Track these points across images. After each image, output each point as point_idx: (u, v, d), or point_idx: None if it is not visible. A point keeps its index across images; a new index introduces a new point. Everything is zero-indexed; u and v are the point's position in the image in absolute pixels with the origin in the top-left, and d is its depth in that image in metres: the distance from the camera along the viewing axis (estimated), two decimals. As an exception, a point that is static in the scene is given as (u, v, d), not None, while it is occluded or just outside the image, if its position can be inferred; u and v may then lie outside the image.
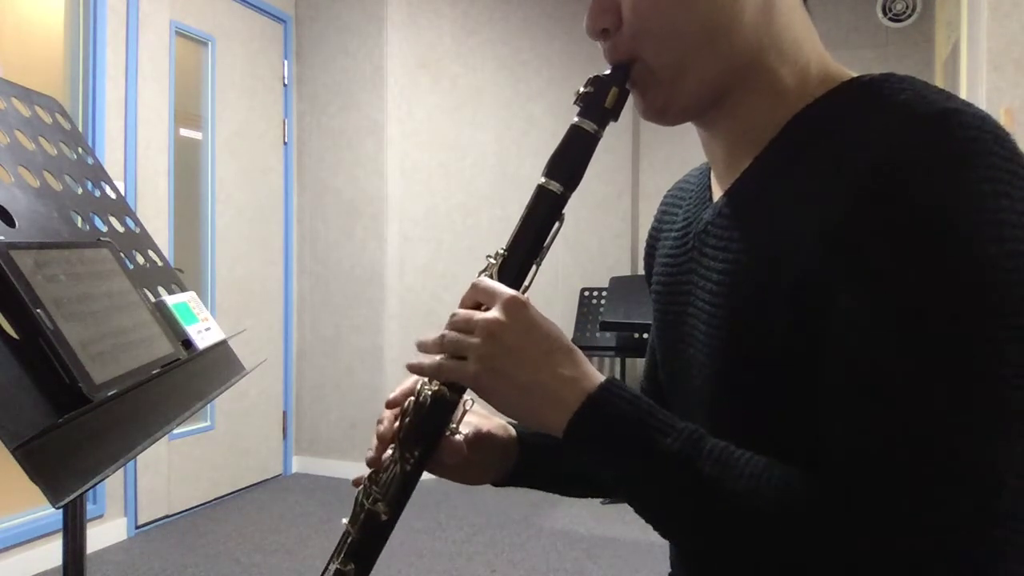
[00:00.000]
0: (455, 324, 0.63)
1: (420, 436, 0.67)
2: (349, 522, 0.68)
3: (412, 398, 0.68)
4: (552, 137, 3.86)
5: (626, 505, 0.59)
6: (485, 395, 0.62)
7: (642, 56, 0.64)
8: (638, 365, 4.57)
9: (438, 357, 0.64)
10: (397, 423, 0.69)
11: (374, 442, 0.70)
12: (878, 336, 0.51)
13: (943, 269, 0.50)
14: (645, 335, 3.68)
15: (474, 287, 0.65)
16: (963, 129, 0.51)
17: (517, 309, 0.61)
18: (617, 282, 3.89)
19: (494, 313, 0.61)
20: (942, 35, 3.83)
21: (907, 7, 4.14)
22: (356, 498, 0.68)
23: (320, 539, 3.06)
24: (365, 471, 0.70)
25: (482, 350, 0.60)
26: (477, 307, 0.64)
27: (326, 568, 0.68)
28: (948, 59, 3.50)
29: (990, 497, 0.49)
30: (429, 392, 0.67)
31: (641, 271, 4.58)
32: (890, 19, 4.17)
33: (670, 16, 0.62)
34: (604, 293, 4.17)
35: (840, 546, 0.51)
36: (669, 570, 0.80)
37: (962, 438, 0.49)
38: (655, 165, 4.71)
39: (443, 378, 0.65)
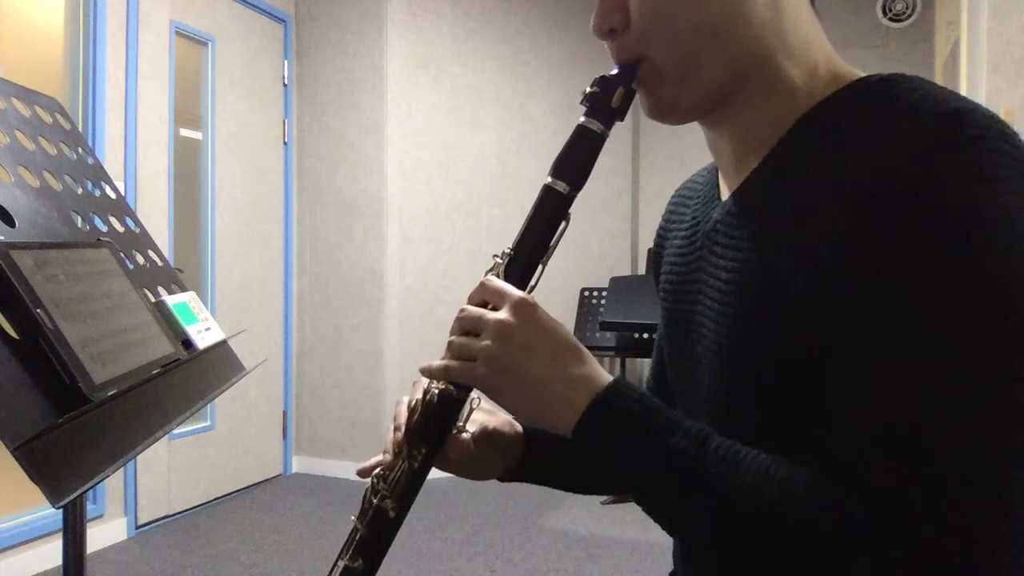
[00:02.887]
0: (463, 322, 0.64)
1: (427, 434, 0.68)
2: (357, 519, 0.69)
3: (420, 396, 0.69)
4: (552, 137, 3.84)
5: (626, 505, 0.60)
6: (494, 395, 0.62)
7: (649, 55, 0.64)
8: (638, 365, 4.57)
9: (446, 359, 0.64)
10: (405, 421, 0.69)
11: (388, 440, 0.71)
12: (885, 338, 0.51)
13: (949, 272, 0.50)
14: (645, 335, 3.68)
15: (482, 286, 0.65)
16: (973, 127, 0.51)
17: (526, 310, 0.61)
18: (617, 282, 3.88)
19: (504, 314, 0.61)
20: (942, 35, 3.83)
21: (907, 7, 4.14)
22: (364, 495, 0.69)
23: (320, 539, 3.05)
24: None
25: (492, 351, 0.61)
26: (484, 306, 0.64)
27: (335, 564, 0.69)
28: (948, 59, 3.50)
29: (996, 500, 0.49)
30: (436, 390, 0.67)
31: (641, 271, 4.61)
32: (890, 19, 4.17)
33: (677, 16, 0.62)
34: (604, 293, 4.16)
35: (843, 546, 0.51)
36: (670, 570, 0.80)
37: (968, 440, 0.49)
38: (655, 165, 4.71)
39: (451, 379, 0.65)
